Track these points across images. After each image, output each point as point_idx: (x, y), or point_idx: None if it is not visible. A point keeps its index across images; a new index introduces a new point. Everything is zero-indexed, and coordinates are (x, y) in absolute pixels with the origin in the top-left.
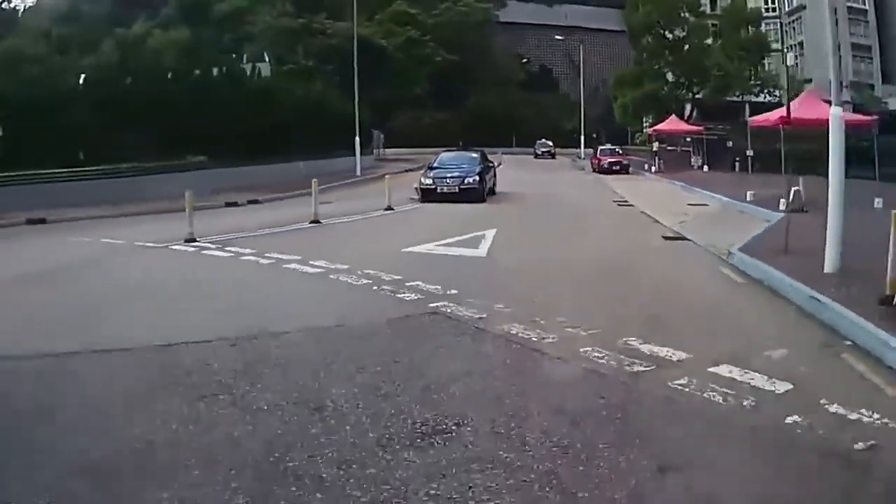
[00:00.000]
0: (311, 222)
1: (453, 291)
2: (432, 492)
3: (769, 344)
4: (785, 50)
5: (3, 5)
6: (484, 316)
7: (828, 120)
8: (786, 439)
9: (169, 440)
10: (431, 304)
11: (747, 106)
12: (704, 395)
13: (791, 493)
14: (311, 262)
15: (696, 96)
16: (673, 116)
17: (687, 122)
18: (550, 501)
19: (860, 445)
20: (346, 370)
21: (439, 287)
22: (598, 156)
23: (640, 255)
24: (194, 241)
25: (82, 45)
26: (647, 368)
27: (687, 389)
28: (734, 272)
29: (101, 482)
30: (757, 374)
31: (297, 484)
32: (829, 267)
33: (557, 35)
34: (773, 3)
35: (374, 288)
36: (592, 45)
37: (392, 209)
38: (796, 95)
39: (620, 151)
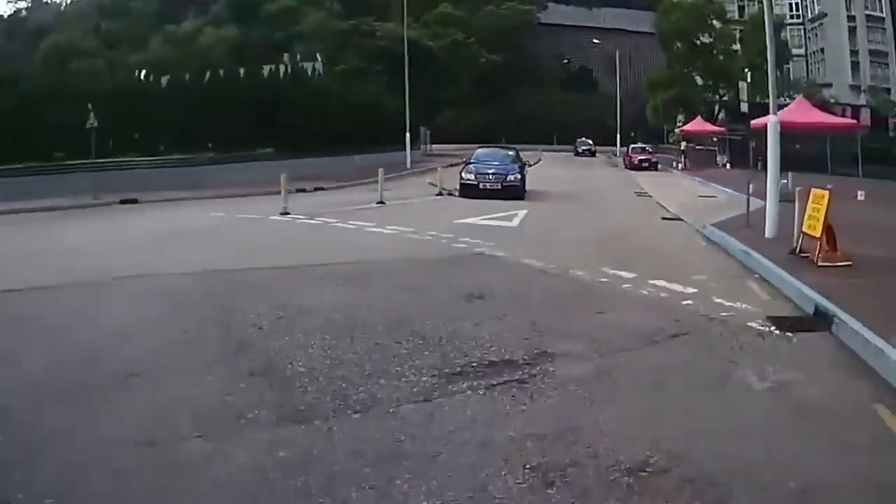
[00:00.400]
0: (377, 203)
1: (490, 244)
2: (477, 324)
3: (696, 273)
4: (805, 56)
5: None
6: (510, 255)
7: (816, 123)
8: (673, 308)
9: (335, 303)
10: (475, 250)
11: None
12: (637, 290)
13: (664, 326)
14: (386, 227)
15: (723, 98)
16: (699, 118)
17: (713, 123)
18: (536, 326)
19: (724, 314)
20: (424, 275)
21: (480, 241)
22: (629, 153)
23: (638, 230)
24: (288, 213)
25: (132, 40)
26: (607, 280)
27: (627, 287)
28: (702, 239)
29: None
30: (678, 284)
31: (417, 325)
32: (768, 234)
33: (596, 38)
34: (797, 9)
35: (436, 241)
36: (630, 46)
37: (441, 195)
38: (812, 98)
39: (650, 150)
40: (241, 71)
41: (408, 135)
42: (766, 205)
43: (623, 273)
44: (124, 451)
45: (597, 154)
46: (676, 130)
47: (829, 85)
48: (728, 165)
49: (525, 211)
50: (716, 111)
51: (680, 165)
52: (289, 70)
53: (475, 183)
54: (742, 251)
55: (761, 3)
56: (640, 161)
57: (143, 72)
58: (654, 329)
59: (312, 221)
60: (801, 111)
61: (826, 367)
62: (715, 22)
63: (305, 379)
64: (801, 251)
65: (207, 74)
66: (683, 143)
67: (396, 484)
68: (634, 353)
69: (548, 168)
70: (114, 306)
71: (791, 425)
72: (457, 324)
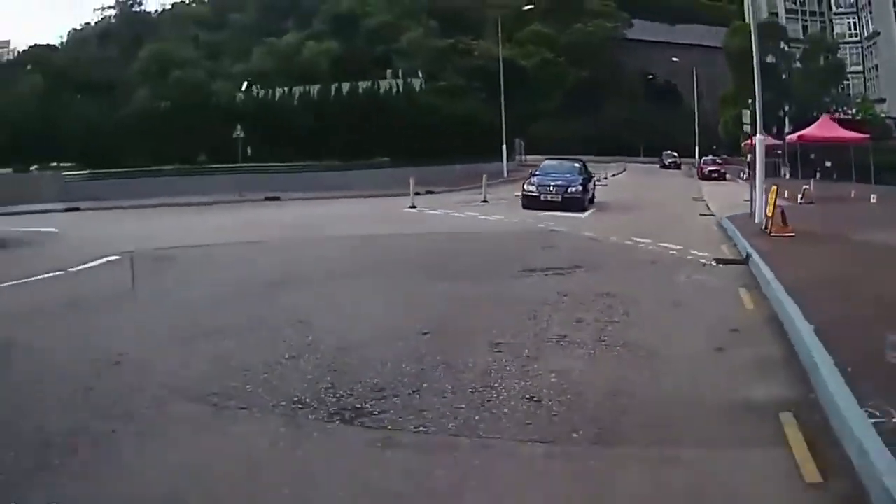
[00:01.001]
0: (481, 201)
1: (562, 227)
2: (544, 256)
3: (691, 242)
4: (863, 73)
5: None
6: (572, 231)
7: (830, 137)
8: (661, 254)
9: (465, 250)
10: (550, 228)
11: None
12: (646, 248)
13: (650, 259)
14: (489, 216)
15: (786, 114)
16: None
17: (776, 136)
18: (576, 258)
19: (689, 257)
20: (514, 238)
21: (555, 224)
22: (701, 165)
23: (675, 222)
24: (414, 207)
25: (233, 51)
26: (630, 243)
27: (640, 246)
28: (716, 225)
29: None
30: (674, 245)
31: (512, 255)
32: (756, 220)
33: (679, 53)
34: (854, 28)
35: (523, 223)
36: (711, 62)
37: None
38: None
39: (720, 161)
40: (360, 87)
41: (504, 147)
42: (755, 199)
43: (642, 240)
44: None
45: (681, 166)
46: (743, 144)
47: (883, 100)
48: (787, 175)
49: (595, 208)
50: (782, 125)
51: (745, 175)
52: (400, 87)
53: (536, 195)
54: (731, 230)
55: (823, 22)
56: (710, 171)
57: (248, 83)
58: (644, 260)
59: (435, 212)
60: (823, 127)
61: (728, 277)
62: (782, 44)
63: (468, 273)
64: (768, 229)
65: (333, 89)
66: (749, 156)
67: (512, 305)
68: (626, 268)
69: (627, 177)
70: (327, 250)
71: (687, 289)
72: (534, 256)
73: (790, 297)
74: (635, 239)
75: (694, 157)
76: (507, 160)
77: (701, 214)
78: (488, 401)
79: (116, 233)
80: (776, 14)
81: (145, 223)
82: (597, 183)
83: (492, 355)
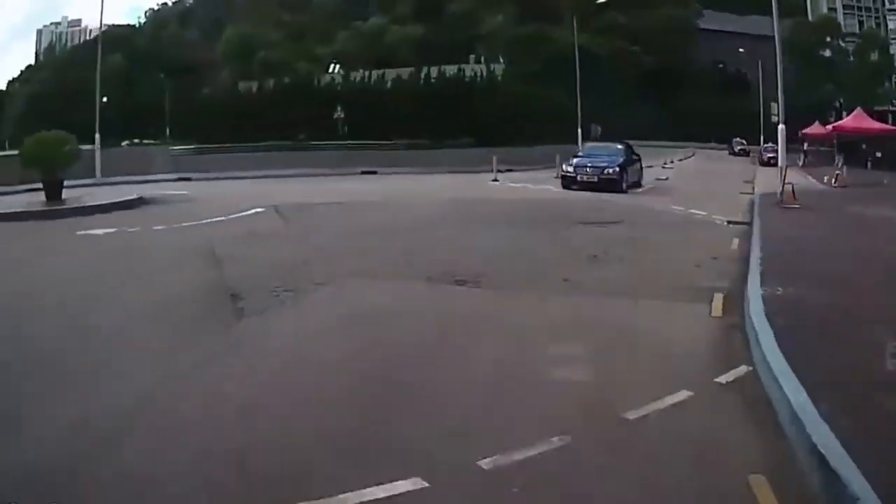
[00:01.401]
0: (554, 177)
1: (614, 198)
2: (596, 213)
3: (718, 209)
4: None
5: None
6: (621, 200)
7: (860, 128)
8: (688, 216)
9: (547, 204)
10: (603, 198)
11: (889, 114)
12: (677, 211)
13: (676, 221)
14: (559, 189)
15: (842, 106)
16: (817, 122)
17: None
18: (622, 214)
19: (709, 220)
20: (576, 203)
21: (608, 197)
22: (762, 152)
23: (713, 197)
24: (496, 181)
25: (318, 34)
26: (664, 208)
27: (674, 210)
28: (748, 201)
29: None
30: (701, 211)
31: (572, 213)
32: (778, 197)
33: (748, 43)
34: None
35: (583, 195)
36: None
37: None
38: None
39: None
40: (447, 72)
41: (579, 130)
42: (783, 180)
43: (677, 207)
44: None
45: (749, 153)
46: (800, 133)
47: None
48: (840, 163)
49: (651, 186)
50: (840, 117)
51: (800, 163)
52: (483, 73)
53: (573, 175)
54: (757, 203)
55: (877, 18)
56: (769, 158)
57: (335, 65)
58: (671, 221)
59: (514, 185)
60: (856, 119)
61: (731, 232)
62: (838, 41)
63: (535, 224)
64: (783, 202)
65: (424, 72)
66: (805, 144)
67: (564, 240)
68: (655, 224)
69: (693, 162)
70: (425, 209)
71: (696, 237)
72: (589, 213)
73: (759, 242)
74: (672, 206)
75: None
76: (583, 143)
77: (741, 193)
78: (531, 281)
79: (244, 194)
80: (834, 9)
81: (262, 188)
82: (646, 167)
83: (540, 264)
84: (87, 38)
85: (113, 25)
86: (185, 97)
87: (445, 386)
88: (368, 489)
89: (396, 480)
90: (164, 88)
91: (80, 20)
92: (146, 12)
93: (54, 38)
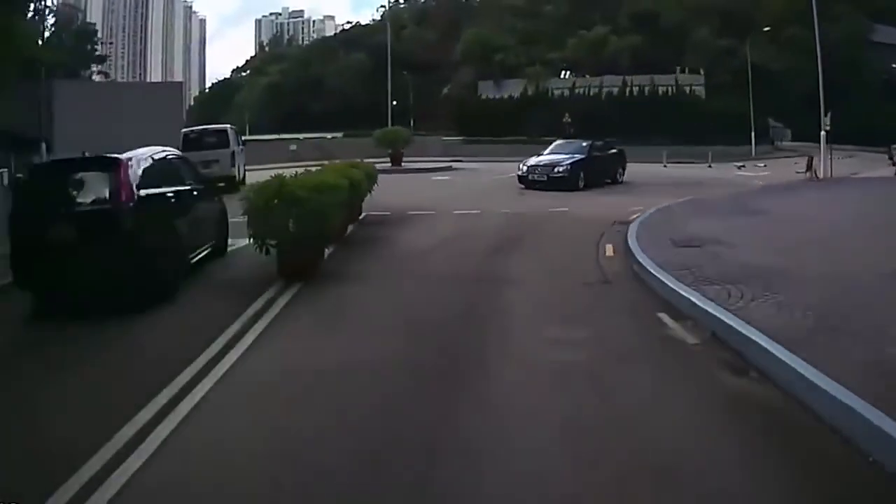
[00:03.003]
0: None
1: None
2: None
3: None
4: None
5: None
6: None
7: None
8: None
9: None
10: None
11: None
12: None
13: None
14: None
15: None
16: None
17: None
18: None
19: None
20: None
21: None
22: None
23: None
24: (711, 167)
25: (548, 40)
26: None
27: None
28: None
29: None
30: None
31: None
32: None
33: None
34: None
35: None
36: None
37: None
38: None
39: None
40: (657, 85)
41: (752, 134)
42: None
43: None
44: None
45: None
46: None
47: None
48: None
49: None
50: None
51: None
52: (685, 85)
53: (526, 175)
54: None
55: None
56: None
57: (567, 71)
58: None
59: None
60: None
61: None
62: None
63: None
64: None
65: (635, 82)
66: None
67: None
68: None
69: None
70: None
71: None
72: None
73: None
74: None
75: None
76: (760, 145)
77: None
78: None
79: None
80: None
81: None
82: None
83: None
84: (311, 29)
85: (358, 25)
86: (426, 92)
87: None
88: None
89: None
90: (408, 84)
91: (301, 11)
92: (382, 13)
93: (276, 29)
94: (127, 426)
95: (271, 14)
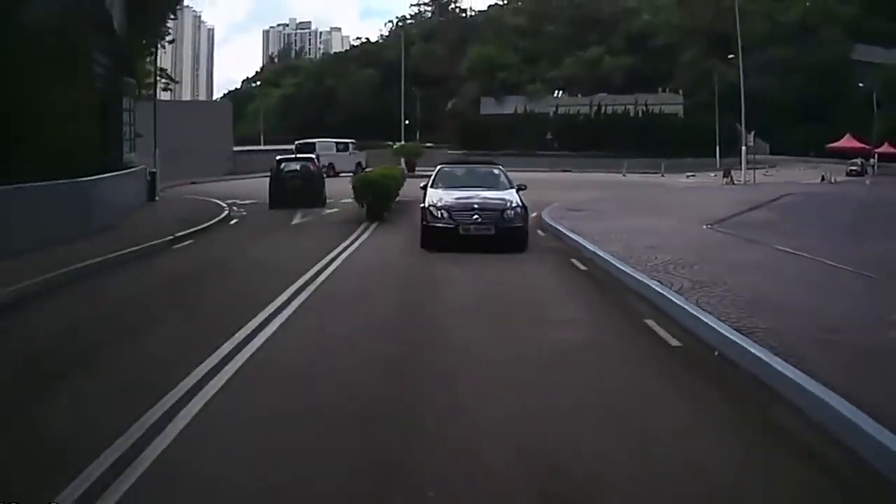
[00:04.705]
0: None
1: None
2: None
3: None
4: None
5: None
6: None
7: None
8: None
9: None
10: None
11: None
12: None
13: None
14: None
15: None
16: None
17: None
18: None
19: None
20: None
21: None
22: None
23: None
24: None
25: (549, 58)
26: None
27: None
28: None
29: None
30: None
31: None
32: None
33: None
34: None
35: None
36: None
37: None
38: None
39: (860, 162)
40: (643, 103)
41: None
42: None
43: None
44: None
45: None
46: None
47: None
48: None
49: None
50: None
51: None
52: (667, 104)
53: (452, 226)
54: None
55: None
56: (851, 170)
57: (560, 90)
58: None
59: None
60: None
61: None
62: None
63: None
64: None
65: (623, 107)
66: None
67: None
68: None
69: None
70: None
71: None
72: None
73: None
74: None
75: None
76: (724, 157)
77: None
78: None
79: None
80: None
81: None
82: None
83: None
84: (318, 40)
85: (367, 41)
86: (432, 105)
87: None
88: None
89: None
90: (416, 97)
91: (309, 22)
92: (390, 29)
93: (283, 40)
94: (331, 253)
95: (279, 25)
